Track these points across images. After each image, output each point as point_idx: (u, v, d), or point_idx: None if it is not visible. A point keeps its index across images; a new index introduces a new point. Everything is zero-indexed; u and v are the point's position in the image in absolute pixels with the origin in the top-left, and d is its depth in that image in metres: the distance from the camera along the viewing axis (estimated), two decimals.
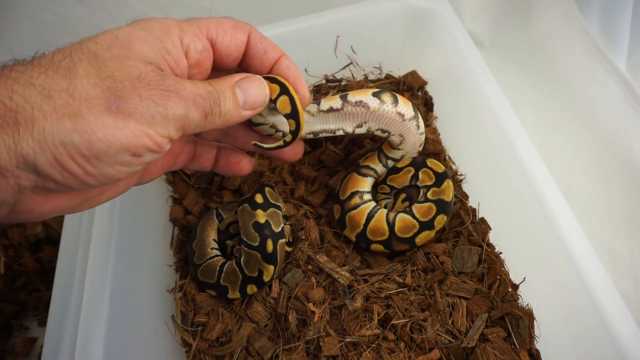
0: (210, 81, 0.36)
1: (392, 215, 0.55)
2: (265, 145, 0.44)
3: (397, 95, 0.50)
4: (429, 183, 0.56)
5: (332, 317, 0.53)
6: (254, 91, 0.39)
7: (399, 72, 0.72)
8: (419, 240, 0.54)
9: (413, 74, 0.71)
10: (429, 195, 0.56)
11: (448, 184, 0.55)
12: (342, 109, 0.48)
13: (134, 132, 0.31)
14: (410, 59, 0.70)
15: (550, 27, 0.76)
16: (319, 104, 0.48)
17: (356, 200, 0.57)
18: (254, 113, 0.40)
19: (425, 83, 0.71)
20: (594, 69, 0.70)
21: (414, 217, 0.54)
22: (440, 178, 0.56)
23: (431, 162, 0.57)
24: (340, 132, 0.51)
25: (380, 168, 0.59)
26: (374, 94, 0.49)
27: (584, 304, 0.41)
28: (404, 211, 0.55)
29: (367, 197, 0.58)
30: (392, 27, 0.67)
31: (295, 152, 0.50)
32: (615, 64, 0.68)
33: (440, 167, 0.57)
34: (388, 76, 0.72)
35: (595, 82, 0.70)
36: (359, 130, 0.51)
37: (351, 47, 0.68)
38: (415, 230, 0.54)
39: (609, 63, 0.69)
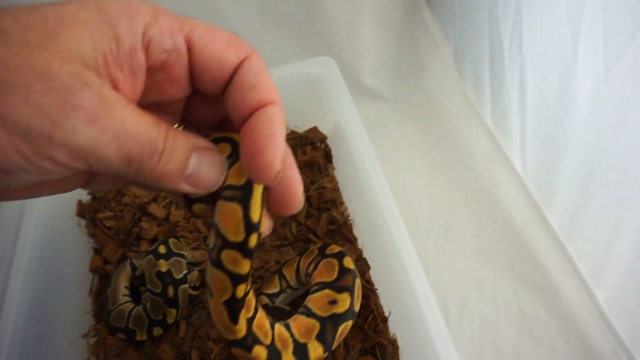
0: (170, 128, 0.27)
1: None
2: None
3: None
4: None
5: (230, 355, 0.60)
6: (206, 171, 0.28)
7: (303, 127, 0.81)
8: None
9: (314, 130, 0.80)
10: None
11: None
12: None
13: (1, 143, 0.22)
14: (311, 116, 0.80)
15: (437, 84, 0.87)
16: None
17: None
18: (191, 191, 0.29)
19: (325, 137, 0.80)
20: (469, 122, 0.81)
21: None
22: None
23: None
24: None
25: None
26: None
27: (423, 336, 0.49)
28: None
29: None
30: (292, 90, 0.77)
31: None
32: (483, 118, 0.79)
33: None
34: (293, 132, 0.81)
35: (471, 133, 0.80)
36: None
37: None
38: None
39: (479, 117, 0.79)
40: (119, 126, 0.24)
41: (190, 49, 0.27)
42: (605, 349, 0.58)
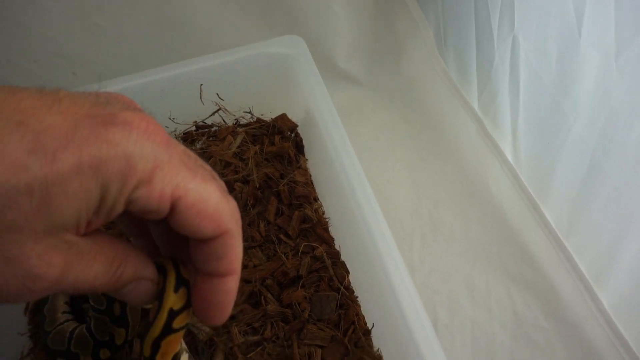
0: (119, 264, 0.26)
1: None
2: None
3: None
4: None
5: None
6: (135, 298, 0.28)
7: (270, 115, 0.73)
8: None
9: (283, 117, 0.72)
10: None
11: None
12: None
13: None
14: (279, 103, 0.71)
15: (417, 68, 0.80)
16: None
17: None
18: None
19: (296, 126, 0.72)
20: (455, 108, 0.74)
21: None
22: None
23: None
24: None
25: None
26: None
27: (411, 350, 0.42)
28: None
29: None
30: (256, 73, 0.68)
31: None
32: (470, 103, 0.72)
33: None
34: (259, 120, 0.73)
35: (456, 120, 0.73)
36: None
37: (217, 94, 0.68)
38: None
39: (465, 102, 0.73)
40: (71, 283, 0.24)
41: (171, 212, 0.25)
42: (611, 358, 0.52)
